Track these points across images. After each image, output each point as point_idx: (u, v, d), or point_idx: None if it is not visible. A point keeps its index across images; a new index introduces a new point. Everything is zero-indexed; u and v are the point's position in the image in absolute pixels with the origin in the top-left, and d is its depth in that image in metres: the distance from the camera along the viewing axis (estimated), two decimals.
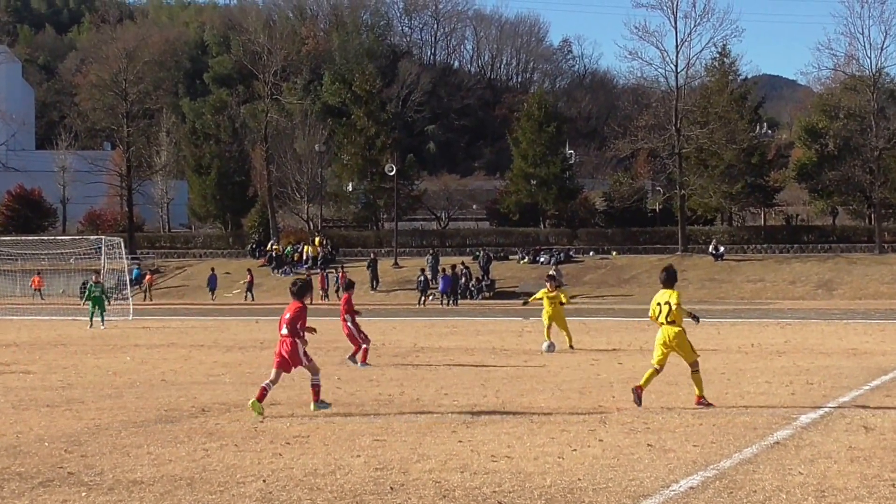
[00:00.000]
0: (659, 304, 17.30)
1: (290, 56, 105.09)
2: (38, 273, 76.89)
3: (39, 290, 77.43)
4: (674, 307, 17.10)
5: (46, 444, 14.02)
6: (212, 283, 79.03)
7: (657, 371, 17.29)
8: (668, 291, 17.26)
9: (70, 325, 44.88)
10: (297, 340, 16.68)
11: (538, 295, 30.83)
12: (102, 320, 44.37)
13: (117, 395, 19.60)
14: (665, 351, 17.21)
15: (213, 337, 37.33)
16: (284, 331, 16.80)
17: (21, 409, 17.58)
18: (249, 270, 78.87)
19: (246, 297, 76.37)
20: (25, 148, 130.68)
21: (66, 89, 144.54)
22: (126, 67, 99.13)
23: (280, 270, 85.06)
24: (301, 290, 17.36)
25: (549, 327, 29.71)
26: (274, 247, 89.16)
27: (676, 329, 17.17)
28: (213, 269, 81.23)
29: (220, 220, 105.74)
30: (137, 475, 11.83)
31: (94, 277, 47.26)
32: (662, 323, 17.16)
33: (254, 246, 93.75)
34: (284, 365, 16.71)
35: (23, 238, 73.38)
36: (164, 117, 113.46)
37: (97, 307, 44.54)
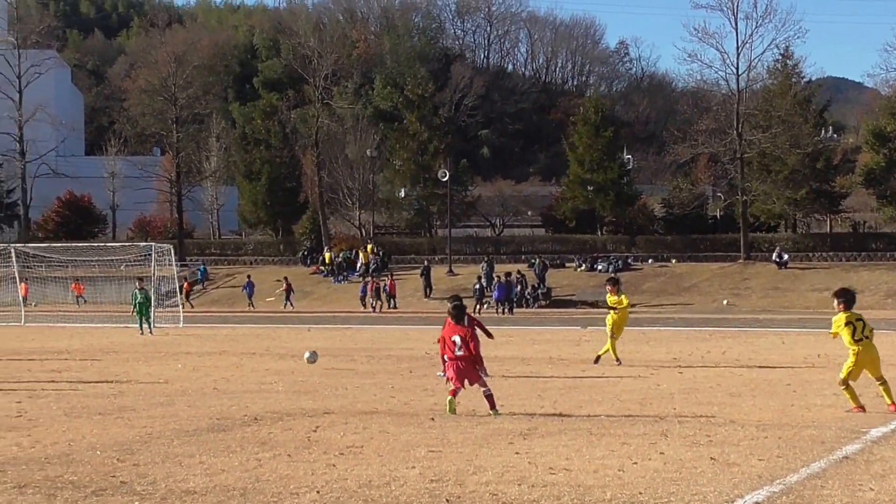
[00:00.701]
0: (851, 322, 17.38)
1: (340, 60, 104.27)
2: (78, 280, 76.14)
3: (81, 296, 76.73)
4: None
5: (98, 452, 13.95)
6: (248, 290, 78.28)
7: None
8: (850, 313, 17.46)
9: (121, 332, 44.92)
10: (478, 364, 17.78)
11: (611, 304, 28.92)
12: (150, 327, 44.62)
13: (169, 403, 19.63)
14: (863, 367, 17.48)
15: (264, 345, 37.17)
16: (459, 352, 17.62)
17: (73, 417, 17.58)
18: (286, 278, 77.85)
19: (285, 304, 75.25)
20: (75, 154, 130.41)
21: (115, 94, 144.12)
22: (175, 72, 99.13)
23: (335, 278, 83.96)
24: (461, 313, 18.29)
25: (613, 337, 27.89)
26: (327, 254, 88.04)
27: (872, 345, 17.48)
28: (249, 277, 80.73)
29: (270, 226, 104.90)
30: (190, 485, 11.75)
31: (137, 284, 47.02)
32: (861, 339, 17.29)
33: (305, 253, 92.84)
34: (462, 383, 17.75)
35: (73, 244, 72.57)
36: (214, 122, 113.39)
37: (143, 314, 44.74)
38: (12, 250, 56.72)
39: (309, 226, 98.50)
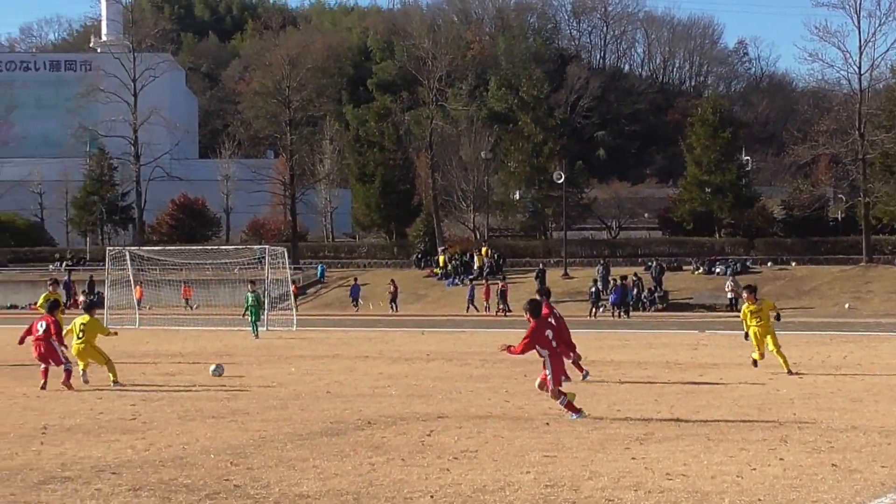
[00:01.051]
0: None
1: (454, 61, 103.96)
2: (187, 283, 76.71)
3: (188, 299, 77.26)
4: None
5: (212, 455, 14.18)
6: (354, 293, 78.41)
7: None
8: None
9: (235, 335, 44.82)
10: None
11: (742, 315, 27.43)
12: (255, 330, 44.41)
13: (282, 407, 19.70)
14: None
15: (377, 348, 37.04)
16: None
17: (187, 420, 17.84)
18: (393, 281, 77.61)
19: (391, 307, 75.05)
20: (189, 156, 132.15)
21: (229, 97, 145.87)
22: (289, 74, 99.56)
23: (448, 281, 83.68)
24: (536, 309, 17.96)
25: (759, 346, 26.47)
26: (440, 257, 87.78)
27: None
28: (355, 280, 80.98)
29: (384, 229, 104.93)
30: (303, 489, 11.89)
31: (249, 287, 47.01)
32: None
33: (418, 256, 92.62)
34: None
35: (186, 248, 73.03)
36: (328, 125, 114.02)
37: (254, 316, 44.80)
38: (127, 253, 57.15)
39: (423, 228, 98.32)
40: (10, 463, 13.65)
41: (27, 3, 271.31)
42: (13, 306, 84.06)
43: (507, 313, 69.47)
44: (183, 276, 74.69)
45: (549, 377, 17.45)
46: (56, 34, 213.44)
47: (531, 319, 17.67)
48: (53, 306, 24.84)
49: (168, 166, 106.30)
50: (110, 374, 24.44)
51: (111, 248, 63.64)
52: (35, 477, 12.66)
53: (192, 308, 75.17)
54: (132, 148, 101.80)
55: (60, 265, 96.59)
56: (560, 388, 17.51)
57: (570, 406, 17.47)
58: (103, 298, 58.43)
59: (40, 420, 17.85)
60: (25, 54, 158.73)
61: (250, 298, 45.22)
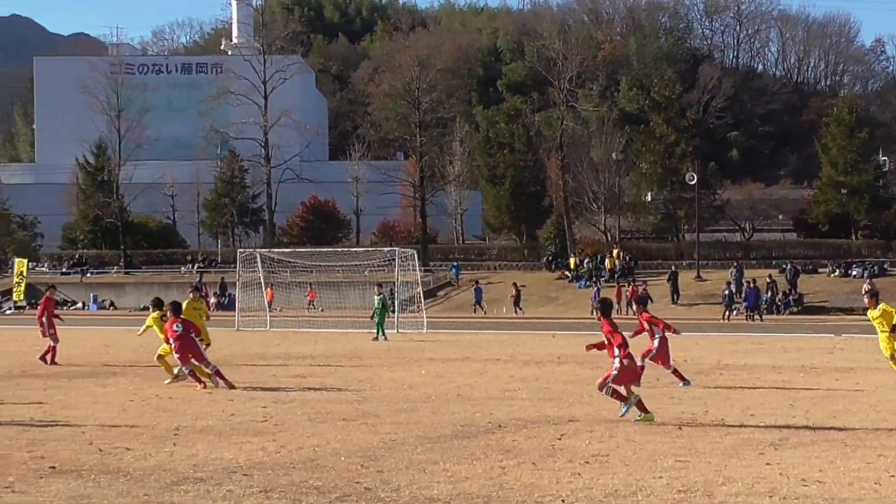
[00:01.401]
0: None
1: (585, 61, 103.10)
2: (312, 285, 77.10)
3: (312, 301, 77.60)
4: None
5: (343, 458, 14.26)
6: (477, 296, 78.18)
7: None
8: None
9: (365, 337, 44.78)
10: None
11: (873, 321, 25.69)
12: (381, 332, 44.41)
13: (412, 410, 19.71)
14: None
15: (508, 351, 36.78)
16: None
17: (317, 423, 17.92)
18: (515, 284, 77.14)
19: (515, 310, 74.69)
20: (319, 158, 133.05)
21: (358, 99, 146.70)
22: (419, 76, 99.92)
23: (579, 283, 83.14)
24: (607, 309, 18.09)
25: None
26: (571, 259, 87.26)
27: None
28: (477, 282, 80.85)
29: (514, 231, 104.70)
30: (434, 492, 11.88)
31: (375, 289, 47.06)
32: None
33: (549, 258, 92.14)
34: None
35: (317, 249, 73.44)
36: (457, 126, 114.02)
37: (379, 318, 44.77)
38: (257, 255, 57.51)
39: (553, 230, 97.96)
40: (144, 463, 13.80)
41: (160, 7, 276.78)
42: (146, 308, 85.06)
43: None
44: (313, 278, 75.05)
45: (612, 373, 17.53)
46: (188, 37, 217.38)
47: (602, 318, 17.75)
48: (176, 308, 24.91)
49: (298, 168, 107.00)
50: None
51: (242, 249, 64.14)
52: (168, 478, 12.81)
53: (318, 310, 75.46)
54: (263, 150, 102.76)
55: (192, 267, 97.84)
56: (614, 385, 17.62)
57: (618, 396, 17.67)
58: (235, 300, 58.95)
59: (173, 421, 18.04)
60: (158, 57, 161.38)
61: (377, 301, 45.26)
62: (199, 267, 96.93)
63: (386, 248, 65.85)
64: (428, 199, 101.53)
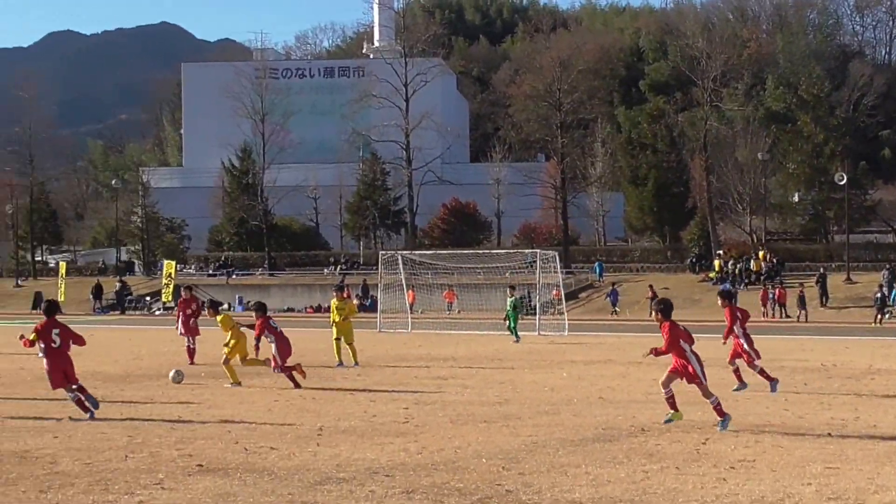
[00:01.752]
0: None
1: (730, 60, 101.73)
2: (451, 287, 76.94)
3: (450, 303, 77.45)
4: None
5: (484, 460, 14.20)
6: (613, 299, 77.89)
7: None
8: None
9: (505, 339, 44.55)
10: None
11: None
12: (514, 333, 44.12)
13: (554, 412, 19.55)
14: None
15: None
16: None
17: (459, 424, 17.95)
18: (651, 286, 76.02)
19: (651, 313, 73.82)
20: (460, 161, 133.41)
21: (499, 100, 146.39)
22: (560, 77, 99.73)
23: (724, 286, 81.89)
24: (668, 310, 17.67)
25: None
26: (716, 261, 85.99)
27: None
28: (613, 285, 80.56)
29: (657, 232, 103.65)
30: (575, 495, 11.81)
31: (508, 292, 47.16)
32: None
33: (693, 260, 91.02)
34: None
35: (458, 252, 73.25)
36: (599, 127, 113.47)
37: (512, 321, 44.68)
38: (399, 257, 57.47)
39: (697, 232, 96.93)
40: (288, 463, 13.97)
41: (302, 12, 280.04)
42: (289, 309, 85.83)
43: (786, 320, 67.77)
44: (454, 280, 74.99)
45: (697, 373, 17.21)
46: (330, 41, 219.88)
47: (663, 321, 17.39)
48: (260, 307, 25.14)
49: (439, 170, 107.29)
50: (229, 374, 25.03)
51: (384, 252, 64.31)
52: (311, 477, 12.96)
53: (455, 312, 75.33)
54: (404, 153, 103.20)
55: (334, 269, 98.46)
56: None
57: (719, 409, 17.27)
58: (377, 302, 58.98)
59: (317, 422, 18.17)
60: (301, 62, 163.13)
61: (509, 303, 45.27)
62: (341, 269, 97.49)
63: (527, 250, 65.23)
64: (569, 200, 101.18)
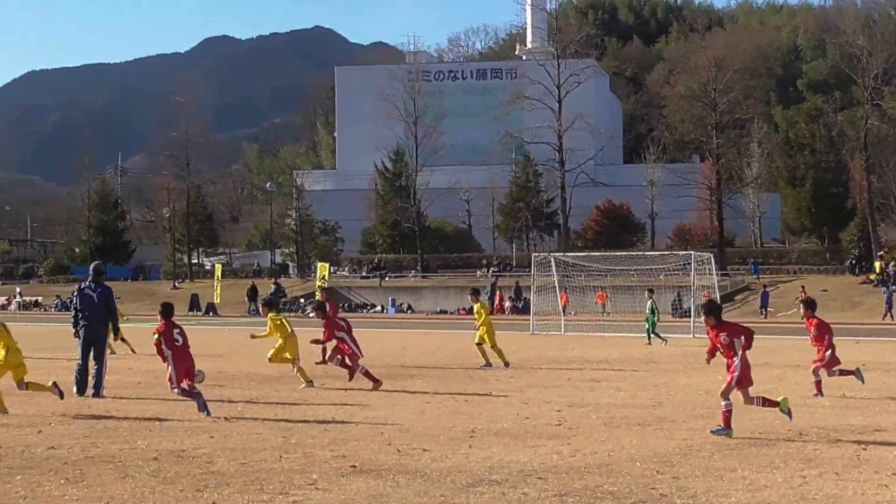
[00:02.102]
0: None
1: (892, 57, 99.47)
2: (603, 289, 76.51)
3: (604, 305, 77.01)
4: None
5: (638, 463, 14.08)
6: (764, 301, 76.97)
7: None
8: None
9: (657, 342, 43.61)
10: None
11: None
12: (648, 336, 43.54)
13: (709, 416, 19.14)
14: None
15: (808, 357, 34.83)
16: None
17: (612, 427, 17.82)
18: (803, 287, 74.62)
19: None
20: (613, 162, 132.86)
21: (653, 101, 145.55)
22: (715, 76, 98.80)
23: (885, 288, 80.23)
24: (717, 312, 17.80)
25: None
26: (877, 263, 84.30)
27: None
28: (765, 286, 79.46)
29: (815, 234, 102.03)
30: (731, 500, 11.68)
31: (646, 294, 46.69)
32: None
33: (853, 262, 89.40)
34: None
35: (610, 253, 72.90)
36: (756, 127, 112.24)
37: (650, 324, 44.27)
38: (552, 259, 57.25)
39: (857, 233, 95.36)
40: (441, 465, 13.97)
41: (455, 15, 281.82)
42: (442, 311, 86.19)
43: None
44: (608, 282, 74.74)
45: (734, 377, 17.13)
46: (482, 43, 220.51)
47: (716, 324, 17.53)
48: (320, 307, 25.73)
49: (592, 172, 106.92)
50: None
51: (536, 254, 64.18)
52: (464, 479, 12.98)
53: (606, 314, 74.91)
54: (557, 154, 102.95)
55: (487, 271, 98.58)
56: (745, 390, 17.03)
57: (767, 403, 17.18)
58: (529, 304, 58.89)
59: (469, 424, 18.11)
60: (453, 64, 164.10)
61: (648, 306, 44.88)
62: (494, 271, 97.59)
63: (681, 252, 64.57)
64: (725, 201, 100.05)
